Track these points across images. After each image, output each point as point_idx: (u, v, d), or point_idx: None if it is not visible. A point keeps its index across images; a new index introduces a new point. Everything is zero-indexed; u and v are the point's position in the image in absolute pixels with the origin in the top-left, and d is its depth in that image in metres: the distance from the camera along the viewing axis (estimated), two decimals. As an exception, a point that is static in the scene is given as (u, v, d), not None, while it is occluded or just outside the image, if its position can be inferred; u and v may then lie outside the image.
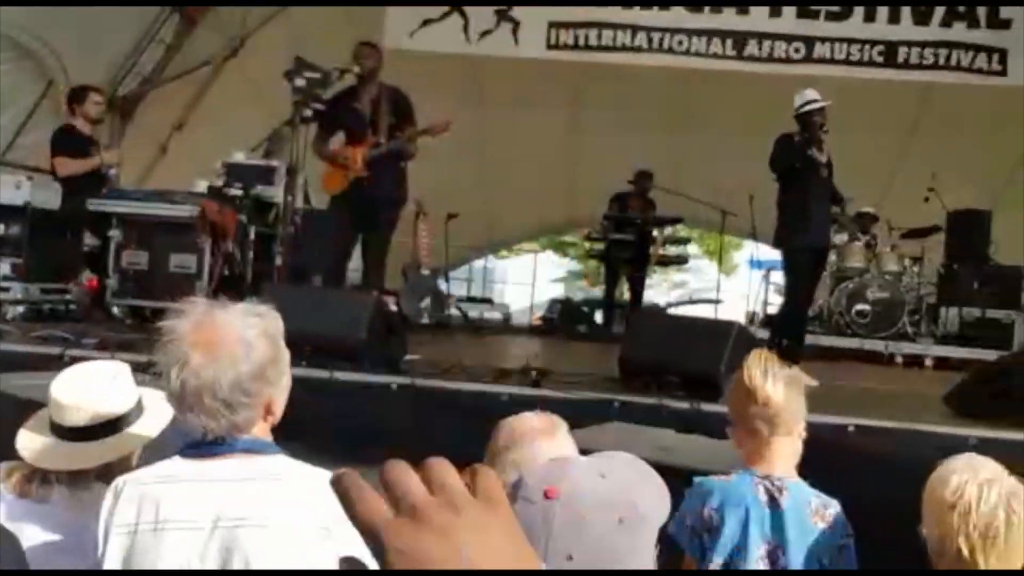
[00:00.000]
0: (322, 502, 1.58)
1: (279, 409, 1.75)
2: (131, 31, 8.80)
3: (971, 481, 1.74)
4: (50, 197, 6.12)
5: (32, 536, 1.88)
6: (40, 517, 1.92)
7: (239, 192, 6.44)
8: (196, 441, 1.68)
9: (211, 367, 1.62)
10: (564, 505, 1.05)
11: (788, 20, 8.86)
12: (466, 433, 2.28)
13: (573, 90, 10.56)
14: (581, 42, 9.10)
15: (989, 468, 1.79)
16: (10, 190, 5.85)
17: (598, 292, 10.16)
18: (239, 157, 6.88)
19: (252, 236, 6.41)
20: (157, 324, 1.71)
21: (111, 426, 2.02)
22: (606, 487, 1.10)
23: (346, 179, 5.61)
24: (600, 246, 9.21)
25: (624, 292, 9.55)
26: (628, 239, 8.77)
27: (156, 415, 2.14)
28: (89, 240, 6.38)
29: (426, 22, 9.15)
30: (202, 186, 6.67)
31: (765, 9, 8.88)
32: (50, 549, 1.89)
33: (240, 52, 8.72)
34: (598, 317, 9.82)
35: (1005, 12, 8.72)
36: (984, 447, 3.72)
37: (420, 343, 6.33)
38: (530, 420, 2.15)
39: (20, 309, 5.95)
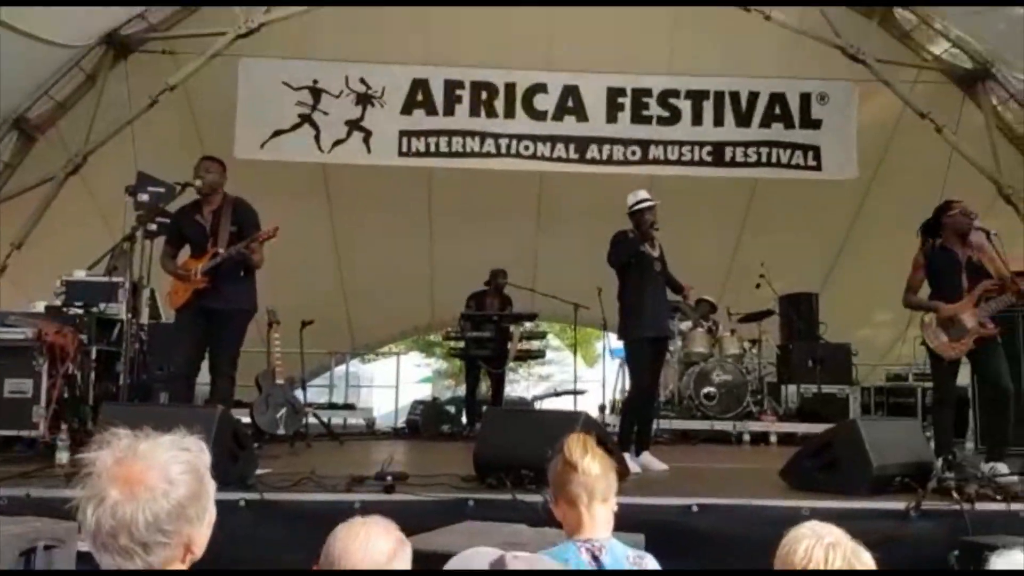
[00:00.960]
0: None
1: (200, 549, 1.69)
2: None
3: (818, 545, 1.95)
4: None
5: None
6: None
7: (79, 310, 6.26)
8: None
9: (128, 505, 1.57)
10: None
11: (624, 125, 9.54)
12: (316, 546, 2.28)
13: (426, 195, 10.86)
14: (432, 149, 9.43)
15: (833, 532, 2.01)
16: None
17: (463, 390, 10.20)
18: (80, 275, 6.71)
19: (94, 355, 6.22)
20: (78, 456, 1.65)
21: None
22: None
23: (187, 291, 5.54)
24: (460, 345, 9.31)
25: (488, 389, 9.64)
26: (486, 336, 8.91)
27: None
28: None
29: (277, 133, 9.25)
30: (40, 306, 6.45)
31: (603, 115, 9.49)
32: None
33: (82, 168, 8.54)
34: (463, 416, 9.83)
35: (816, 113, 9.67)
36: (816, 516, 3.95)
37: (275, 456, 6.19)
38: (360, 525, 2.18)
39: None
